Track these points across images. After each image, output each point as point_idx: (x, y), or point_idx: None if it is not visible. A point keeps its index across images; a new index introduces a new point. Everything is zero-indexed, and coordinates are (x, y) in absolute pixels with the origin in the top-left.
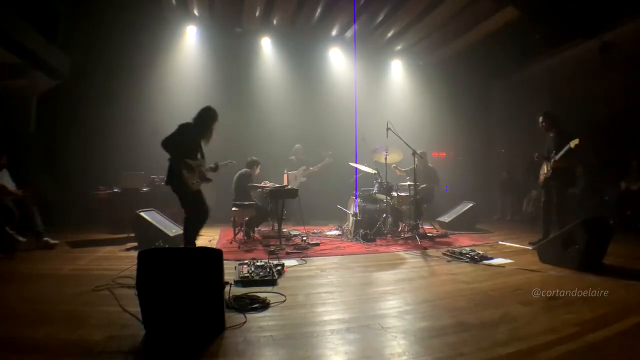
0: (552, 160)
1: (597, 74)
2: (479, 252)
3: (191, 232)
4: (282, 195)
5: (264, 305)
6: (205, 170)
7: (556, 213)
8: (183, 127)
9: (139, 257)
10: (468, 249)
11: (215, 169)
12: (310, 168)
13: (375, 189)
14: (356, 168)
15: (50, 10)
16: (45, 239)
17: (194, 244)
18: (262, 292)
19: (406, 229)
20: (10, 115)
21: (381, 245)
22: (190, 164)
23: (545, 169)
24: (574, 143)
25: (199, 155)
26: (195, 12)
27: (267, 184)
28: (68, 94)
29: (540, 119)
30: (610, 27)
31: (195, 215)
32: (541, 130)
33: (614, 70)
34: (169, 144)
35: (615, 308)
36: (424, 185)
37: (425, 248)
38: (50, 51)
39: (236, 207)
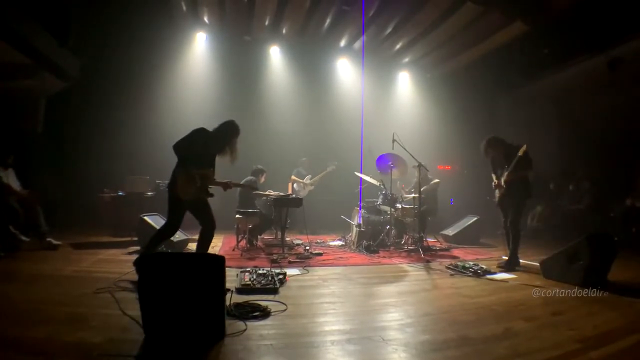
0: (505, 174)
1: (605, 90)
2: (483, 266)
3: (156, 240)
4: (286, 204)
5: (264, 313)
6: (210, 184)
7: (510, 227)
8: (197, 133)
9: (140, 261)
10: (471, 263)
11: (227, 186)
12: (316, 178)
13: (379, 200)
14: (361, 179)
15: (62, 13)
16: (48, 239)
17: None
18: (264, 301)
19: (410, 242)
20: (19, 115)
21: (384, 257)
22: (192, 172)
23: (499, 189)
24: (522, 150)
25: (208, 167)
26: (206, 19)
27: (272, 193)
28: (77, 96)
29: (484, 147)
30: (619, 43)
31: (170, 227)
32: (486, 158)
33: (621, 86)
34: (180, 147)
35: (619, 325)
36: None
37: (429, 261)
38: (61, 53)
39: (240, 215)
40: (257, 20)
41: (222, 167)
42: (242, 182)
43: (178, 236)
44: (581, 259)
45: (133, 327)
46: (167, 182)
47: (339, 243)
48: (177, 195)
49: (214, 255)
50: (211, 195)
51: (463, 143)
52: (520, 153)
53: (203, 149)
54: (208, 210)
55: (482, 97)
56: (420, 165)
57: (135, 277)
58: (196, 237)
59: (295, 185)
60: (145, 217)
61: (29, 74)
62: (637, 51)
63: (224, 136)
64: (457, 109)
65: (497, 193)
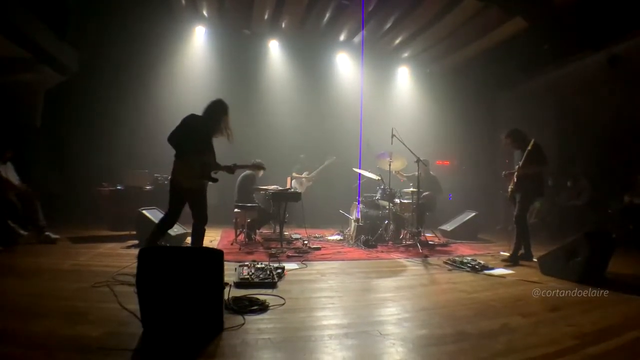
0: (516, 168)
1: (605, 87)
2: (480, 261)
3: (158, 231)
4: (285, 198)
5: (263, 307)
6: (213, 169)
7: (514, 221)
8: (187, 119)
9: (140, 254)
10: (469, 258)
11: (231, 169)
12: (314, 173)
13: (378, 195)
14: (360, 173)
15: (61, 6)
16: (46, 233)
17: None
18: (262, 295)
19: (408, 236)
20: (17, 109)
21: (382, 251)
22: (189, 160)
23: (512, 183)
24: (530, 145)
25: (206, 151)
26: (205, 12)
27: (270, 187)
28: (76, 90)
29: (505, 138)
30: (619, 39)
31: (170, 217)
32: (507, 148)
33: (621, 83)
34: (173, 137)
35: (616, 322)
36: (427, 193)
37: (427, 256)
38: (60, 47)
39: (238, 209)
40: (256, 14)
41: (222, 161)
42: (241, 178)
43: (176, 230)
44: (579, 256)
45: (131, 320)
46: (166, 176)
47: (338, 237)
48: (178, 184)
49: (213, 249)
50: (215, 180)
51: (462, 138)
52: (529, 147)
53: (196, 134)
54: (204, 204)
55: (482, 93)
56: (419, 161)
57: (133, 270)
58: None
59: (293, 182)
60: (144, 211)
61: (28, 67)
62: (636, 48)
63: (214, 116)
64: (456, 105)
65: (509, 187)
